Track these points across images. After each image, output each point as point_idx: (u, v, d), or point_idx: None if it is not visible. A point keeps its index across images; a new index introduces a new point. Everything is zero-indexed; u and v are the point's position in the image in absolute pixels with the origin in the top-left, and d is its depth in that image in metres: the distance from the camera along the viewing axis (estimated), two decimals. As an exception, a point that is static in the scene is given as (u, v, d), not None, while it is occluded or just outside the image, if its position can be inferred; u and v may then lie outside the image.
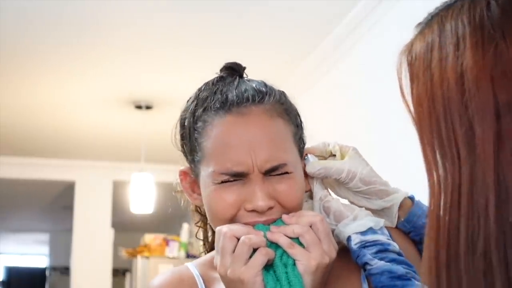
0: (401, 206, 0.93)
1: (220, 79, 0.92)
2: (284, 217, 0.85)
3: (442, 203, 0.56)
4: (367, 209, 0.91)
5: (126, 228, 7.77)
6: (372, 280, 0.83)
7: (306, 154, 0.94)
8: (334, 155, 0.95)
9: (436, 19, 0.60)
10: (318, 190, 0.92)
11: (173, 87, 4.10)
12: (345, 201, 0.94)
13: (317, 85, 3.69)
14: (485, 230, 0.51)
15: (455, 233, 0.54)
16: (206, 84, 0.92)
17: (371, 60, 3.00)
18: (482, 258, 0.51)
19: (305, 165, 0.93)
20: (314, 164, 0.91)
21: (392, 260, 0.82)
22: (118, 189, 6.09)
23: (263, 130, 0.85)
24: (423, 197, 0.81)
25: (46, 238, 10.74)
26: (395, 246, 0.85)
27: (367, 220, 0.87)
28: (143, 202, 4.78)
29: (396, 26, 2.65)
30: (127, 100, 4.42)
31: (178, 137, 0.94)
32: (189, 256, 5.15)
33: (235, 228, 0.83)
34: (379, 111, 2.88)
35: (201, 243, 1.04)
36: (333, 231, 0.88)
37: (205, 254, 1.02)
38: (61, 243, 9.69)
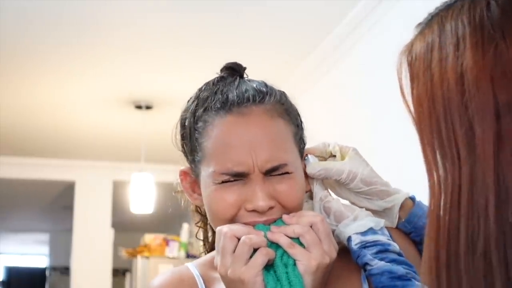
0: (402, 207, 0.93)
1: (220, 79, 0.92)
2: (285, 217, 0.85)
3: (442, 203, 0.56)
4: (368, 209, 0.91)
5: (126, 228, 7.77)
6: (372, 280, 0.83)
7: (306, 155, 0.94)
8: (334, 156, 0.95)
9: (436, 19, 0.60)
10: (318, 191, 0.92)
11: (173, 87, 4.10)
12: (346, 202, 0.94)
13: (317, 85, 3.69)
14: (485, 230, 0.51)
15: (455, 233, 0.54)
16: (207, 84, 0.93)
17: (371, 60, 3.00)
18: (482, 258, 0.51)
19: (305, 166, 0.93)
20: (314, 165, 0.91)
21: (392, 261, 0.82)
22: (118, 189, 6.09)
23: (263, 130, 0.85)
24: (423, 197, 0.81)
25: (46, 238, 10.74)
26: (395, 246, 0.85)
27: (368, 221, 0.87)
28: (143, 202, 4.78)
29: (396, 26, 2.65)
30: (127, 100, 4.42)
31: (179, 137, 0.94)
32: (189, 256, 5.16)
33: (236, 228, 0.83)
34: (379, 111, 2.88)
35: (201, 243, 1.04)
36: (333, 231, 0.88)
37: (205, 254, 1.02)
38: (61, 243, 9.69)
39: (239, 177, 0.85)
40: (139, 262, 5.49)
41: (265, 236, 0.83)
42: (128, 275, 6.98)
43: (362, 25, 3.04)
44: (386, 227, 0.89)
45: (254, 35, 3.34)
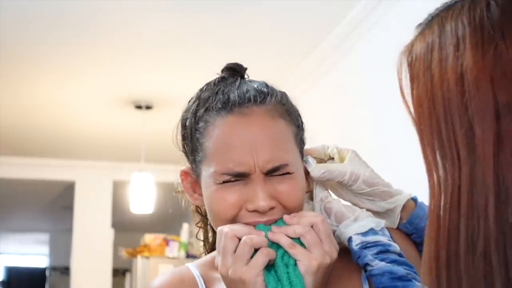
0: (404, 208, 0.93)
1: (221, 79, 0.92)
2: (285, 217, 0.85)
3: (442, 204, 0.56)
4: (369, 211, 0.91)
5: (126, 228, 7.77)
6: (373, 281, 0.83)
7: (306, 156, 0.94)
8: (333, 158, 0.95)
9: (436, 19, 0.60)
10: (319, 191, 0.92)
11: (173, 87, 4.10)
12: (347, 203, 0.94)
13: (317, 85, 3.69)
14: (485, 231, 0.52)
15: (455, 233, 0.54)
16: (208, 84, 0.93)
17: (371, 60, 3.00)
18: (482, 258, 0.51)
19: (305, 166, 0.93)
20: (318, 168, 0.91)
21: (393, 261, 0.83)
22: (118, 189, 6.09)
23: (264, 130, 0.85)
24: (423, 197, 0.81)
25: (46, 238, 10.74)
26: (396, 247, 0.85)
27: (368, 221, 0.87)
28: (143, 202, 4.78)
29: (396, 26, 2.65)
30: (127, 100, 4.42)
31: (180, 137, 0.94)
32: (189, 256, 5.16)
33: (237, 228, 0.83)
34: (379, 111, 2.88)
35: (202, 243, 1.04)
36: (334, 232, 0.88)
37: (206, 254, 1.02)
38: (61, 243, 9.69)
39: (240, 177, 0.85)
40: (139, 262, 5.49)
41: (266, 236, 0.83)
42: (128, 275, 6.98)
43: (362, 25, 3.04)
44: (387, 228, 0.89)
45: (254, 35, 3.34)
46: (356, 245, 0.85)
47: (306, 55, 3.58)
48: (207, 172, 0.87)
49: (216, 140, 0.86)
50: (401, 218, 0.94)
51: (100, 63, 3.73)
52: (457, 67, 0.55)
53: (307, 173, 0.92)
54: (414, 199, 0.95)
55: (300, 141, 0.92)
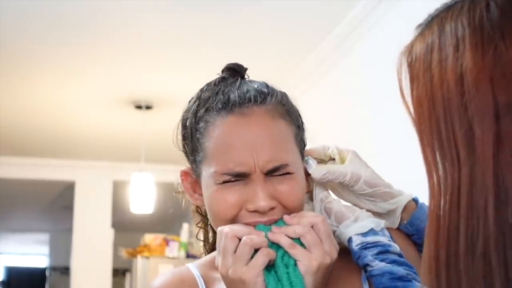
0: (405, 208, 0.93)
1: (222, 79, 0.92)
2: (286, 217, 0.85)
3: (441, 204, 0.56)
4: (370, 211, 0.91)
5: (126, 228, 7.77)
6: (373, 281, 0.83)
7: (306, 156, 0.94)
8: (333, 159, 0.95)
9: (436, 20, 0.60)
10: (319, 192, 0.92)
11: (173, 87, 4.10)
12: (347, 203, 0.94)
13: (317, 85, 3.69)
14: (484, 231, 0.52)
15: (455, 234, 0.54)
16: (208, 84, 0.93)
17: (371, 60, 3.00)
18: (481, 259, 0.51)
19: (305, 167, 0.93)
20: (319, 169, 0.91)
21: (393, 262, 0.83)
22: (118, 189, 6.09)
23: (265, 130, 0.85)
24: (423, 197, 0.81)
25: (46, 238, 10.74)
26: (396, 247, 0.85)
27: (368, 222, 0.87)
28: (143, 202, 4.78)
29: (396, 26, 2.65)
30: (127, 100, 4.42)
31: (180, 137, 0.94)
32: (189, 256, 5.16)
33: (237, 228, 0.83)
34: (379, 111, 2.88)
35: (202, 244, 1.04)
36: (334, 232, 0.88)
37: (206, 255, 1.02)
38: (61, 243, 9.69)
39: (240, 177, 0.85)
40: (139, 262, 5.49)
41: (266, 237, 0.83)
42: (128, 275, 6.98)
43: (362, 25, 3.04)
44: (387, 228, 0.89)
45: (254, 35, 3.34)
46: (356, 245, 0.85)
47: (306, 55, 3.58)
48: (207, 172, 0.87)
49: (216, 140, 0.86)
50: (401, 219, 0.94)
51: (100, 63, 3.73)
52: (456, 68, 0.55)
53: (307, 173, 0.92)
54: (415, 200, 0.95)
55: (300, 141, 0.92)
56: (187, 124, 0.92)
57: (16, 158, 5.90)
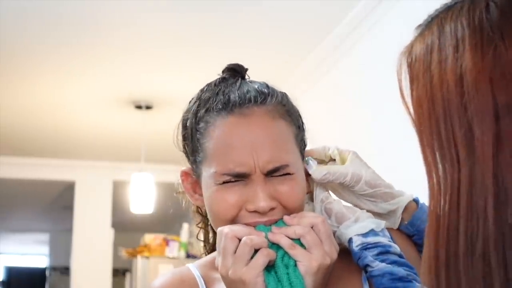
0: (405, 209, 0.93)
1: (222, 80, 0.92)
2: (286, 218, 0.85)
3: (441, 204, 0.56)
4: (371, 212, 0.91)
5: (126, 228, 7.77)
6: (373, 282, 0.83)
7: (307, 157, 0.94)
8: (334, 160, 0.95)
9: (435, 21, 0.60)
10: (319, 192, 0.92)
11: (173, 87, 4.10)
12: (348, 204, 0.94)
13: (317, 85, 3.69)
14: (484, 232, 0.52)
15: (454, 234, 0.54)
16: (208, 85, 0.93)
17: (371, 60, 3.00)
18: (481, 259, 0.51)
19: (305, 167, 0.93)
20: (319, 169, 0.91)
21: (393, 262, 0.83)
22: (118, 189, 6.09)
23: (265, 131, 0.85)
24: (423, 197, 0.81)
25: (46, 238, 10.74)
26: (396, 248, 0.85)
27: (369, 222, 0.87)
28: (143, 202, 4.78)
29: (396, 26, 2.65)
30: (127, 100, 4.42)
31: (180, 137, 0.95)
32: (189, 256, 5.16)
33: (237, 229, 0.83)
34: (379, 111, 2.88)
35: (202, 244, 1.04)
36: (334, 232, 0.88)
37: (206, 255, 1.02)
38: (61, 243, 9.69)
39: (241, 177, 0.85)
40: (139, 262, 5.49)
41: (266, 237, 0.83)
42: (128, 275, 6.98)
43: (362, 25, 3.04)
44: (387, 229, 0.89)
45: (254, 35, 3.34)
46: (357, 246, 0.85)
47: (306, 55, 3.58)
48: (207, 172, 0.87)
49: (216, 140, 0.86)
50: (402, 220, 0.94)
51: (100, 63, 3.73)
52: (456, 68, 0.55)
53: (307, 174, 0.92)
54: (415, 201, 0.95)
55: (300, 142, 0.92)
56: (188, 124, 0.92)
57: (16, 158, 5.90)
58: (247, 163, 0.84)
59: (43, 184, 6.56)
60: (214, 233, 0.97)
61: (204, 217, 1.01)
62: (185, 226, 5.38)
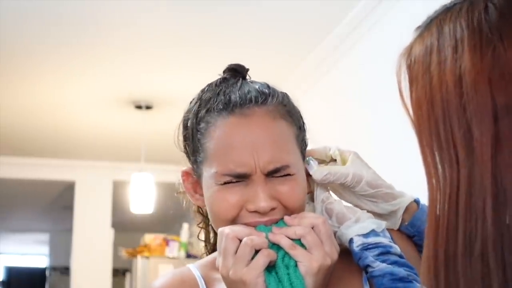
0: (406, 210, 0.93)
1: (223, 80, 0.92)
2: (286, 218, 0.85)
3: (440, 205, 0.56)
4: (372, 212, 0.91)
5: (126, 228, 7.77)
6: (374, 282, 0.83)
7: (308, 157, 0.94)
8: (335, 160, 0.95)
9: (435, 22, 0.60)
10: (320, 193, 0.92)
11: (173, 87, 4.10)
12: (348, 204, 0.94)
13: (317, 85, 3.69)
14: (482, 232, 0.52)
15: (453, 234, 0.54)
16: (209, 85, 0.93)
17: (371, 60, 3.00)
18: (479, 260, 0.52)
19: (306, 168, 0.93)
20: (320, 170, 0.91)
21: (393, 263, 0.83)
22: (118, 189, 6.09)
23: (266, 131, 0.86)
24: (422, 198, 0.81)
25: (46, 238, 10.74)
26: (396, 248, 0.85)
27: (369, 223, 0.87)
28: (143, 202, 4.78)
29: (396, 26, 2.65)
30: (127, 100, 4.42)
31: (181, 137, 0.95)
32: (189, 256, 5.16)
33: (237, 229, 0.84)
34: (379, 111, 2.88)
35: (203, 244, 1.04)
36: (335, 233, 0.88)
37: (207, 255, 1.02)
38: (61, 243, 9.68)
39: (241, 178, 0.85)
40: (139, 262, 5.49)
41: (267, 237, 0.83)
42: (128, 275, 6.98)
43: (362, 25, 3.04)
44: (388, 229, 0.89)
45: (254, 35, 3.34)
46: (357, 246, 0.85)
47: (306, 55, 3.58)
48: (208, 172, 0.87)
49: (217, 141, 0.86)
50: (403, 220, 0.94)
51: (100, 63, 3.73)
52: (455, 69, 0.56)
53: (308, 174, 0.92)
54: (416, 201, 0.95)
55: (301, 142, 0.92)
56: (188, 124, 0.92)
57: (16, 158, 5.90)
58: (248, 164, 0.84)
59: (43, 184, 6.56)
60: (215, 233, 0.97)
61: (205, 217, 1.01)
62: (185, 226, 5.38)
